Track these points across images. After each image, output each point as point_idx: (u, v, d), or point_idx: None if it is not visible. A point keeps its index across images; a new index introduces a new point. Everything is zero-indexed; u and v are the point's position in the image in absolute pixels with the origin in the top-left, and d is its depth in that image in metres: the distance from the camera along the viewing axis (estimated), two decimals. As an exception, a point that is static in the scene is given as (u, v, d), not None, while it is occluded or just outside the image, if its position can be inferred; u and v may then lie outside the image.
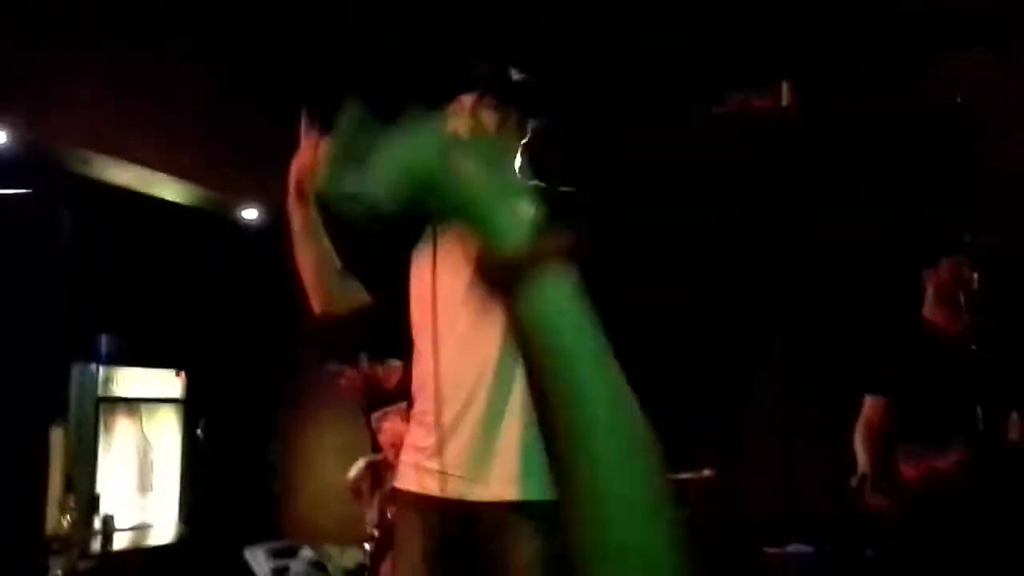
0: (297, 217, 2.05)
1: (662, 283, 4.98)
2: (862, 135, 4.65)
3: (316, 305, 2.08)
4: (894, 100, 4.46)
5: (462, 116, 1.99)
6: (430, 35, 3.93)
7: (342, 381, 4.09)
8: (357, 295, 2.08)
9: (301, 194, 2.02)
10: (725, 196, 4.83)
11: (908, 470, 3.26)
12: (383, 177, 0.74)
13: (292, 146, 2.12)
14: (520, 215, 0.72)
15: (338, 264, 2.07)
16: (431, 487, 1.98)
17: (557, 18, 3.93)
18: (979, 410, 3.19)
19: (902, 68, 4.35)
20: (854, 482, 3.35)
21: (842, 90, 4.48)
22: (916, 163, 4.60)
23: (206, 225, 5.63)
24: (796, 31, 4.14)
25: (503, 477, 1.92)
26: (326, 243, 2.05)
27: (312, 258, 2.04)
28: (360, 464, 4.19)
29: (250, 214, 5.74)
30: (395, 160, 0.75)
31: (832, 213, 4.80)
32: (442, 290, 1.97)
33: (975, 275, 3.27)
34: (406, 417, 2.21)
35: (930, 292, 3.43)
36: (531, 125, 2.04)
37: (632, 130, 4.51)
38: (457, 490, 1.94)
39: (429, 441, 1.98)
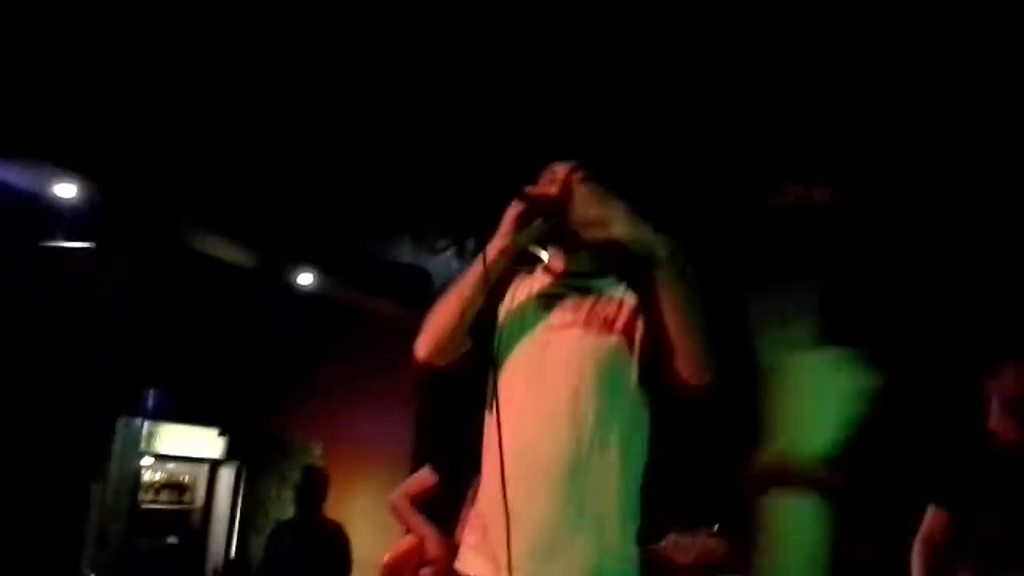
0: (493, 257, 1.89)
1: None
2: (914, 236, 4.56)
3: (425, 351, 1.93)
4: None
5: (554, 182, 1.90)
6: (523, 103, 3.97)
7: None
8: (464, 344, 1.95)
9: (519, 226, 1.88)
10: (781, 288, 4.74)
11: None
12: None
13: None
14: None
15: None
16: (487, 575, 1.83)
17: (612, 106, 3.95)
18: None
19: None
20: None
21: (894, 190, 4.41)
22: (974, 264, 4.48)
23: (261, 287, 5.69)
24: (852, 128, 4.10)
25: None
26: (482, 299, 1.91)
27: (464, 306, 1.89)
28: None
29: (305, 279, 5.79)
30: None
31: (890, 317, 4.68)
32: (529, 373, 1.87)
33: None
34: None
35: (995, 403, 3.28)
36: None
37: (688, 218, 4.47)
38: None
39: (493, 525, 1.83)
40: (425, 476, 3.60)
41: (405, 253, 5.19)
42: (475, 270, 1.90)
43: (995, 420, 3.27)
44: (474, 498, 3.29)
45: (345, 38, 3.77)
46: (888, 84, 3.78)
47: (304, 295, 5.86)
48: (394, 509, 3.63)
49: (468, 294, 1.89)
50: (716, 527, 2.96)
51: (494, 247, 1.91)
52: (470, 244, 4.64)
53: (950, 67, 3.63)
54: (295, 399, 6.24)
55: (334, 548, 4.67)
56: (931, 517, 3.26)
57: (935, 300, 4.69)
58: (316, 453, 6.57)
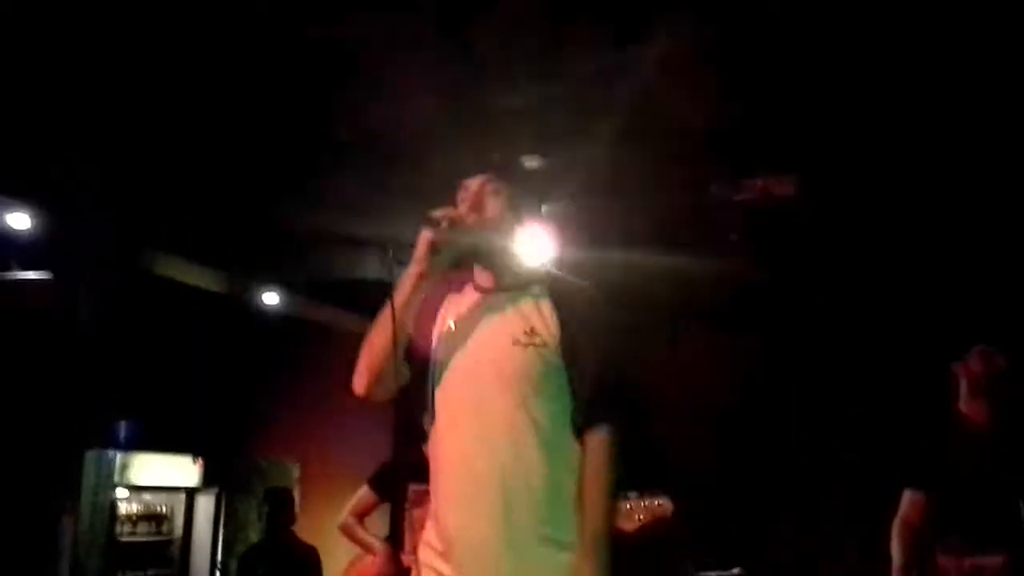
0: (411, 286, 1.88)
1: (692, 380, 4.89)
2: (881, 226, 4.60)
3: (362, 387, 1.91)
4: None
5: (465, 200, 1.93)
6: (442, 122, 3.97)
7: None
8: (402, 375, 1.92)
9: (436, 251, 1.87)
10: (745, 293, 4.78)
11: (950, 567, 3.09)
12: None
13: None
14: None
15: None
16: None
17: (570, 102, 3.96)
18: (1022, 506, 3.04)
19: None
20: None
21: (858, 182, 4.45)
22: (940, 255, 4.53)
23: (227, 309, 5.63)
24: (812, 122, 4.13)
25: None
26: (409, 327, 1.90)
27: (391, 338, 1.84)
28: None
29: (271, 298, 5.74)
30: None
31: (859, 306, 4.73)
32: (464, 392, 1.86)
33: (1005, 363, 3.18)
34: None
35: (963, 385, 3.31)
36: (544, 210, 2.00)
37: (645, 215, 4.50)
38: None
39: (440, 541, 1.84)
40: (367, 495, 3.72)
41: (371, 267, 5.16)
42: (396, 301, 1.87)
43: (964, 402, 3.30)
44: (411, 508, 3.37)
45: (290, 58, 3.76)
46: (847, 75, 3.82)
47: (271, 315, 5.81)
48: (344, 530, 3.72)
49: (393, 325, 1.86)
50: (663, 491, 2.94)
51: (409, 275, 1.89)
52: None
53: (909, 61, 3.67)
54: (270, 421, 6.17)
55: (306, 570, 4.62)
56: (908, 500, 3.28)
57: (902, 288, 4.74)
58: (294, 475, 6.49)
